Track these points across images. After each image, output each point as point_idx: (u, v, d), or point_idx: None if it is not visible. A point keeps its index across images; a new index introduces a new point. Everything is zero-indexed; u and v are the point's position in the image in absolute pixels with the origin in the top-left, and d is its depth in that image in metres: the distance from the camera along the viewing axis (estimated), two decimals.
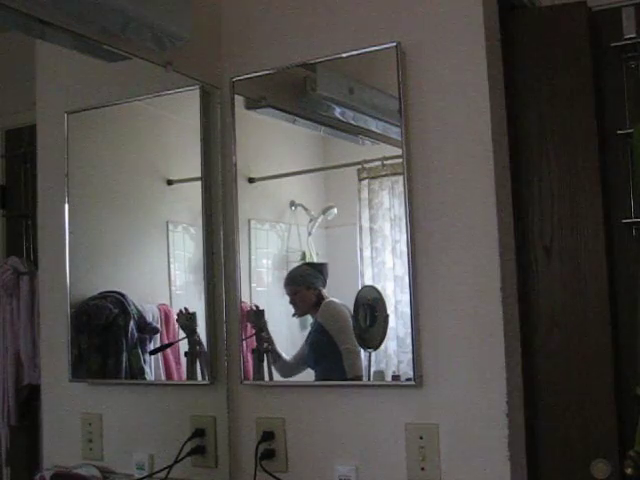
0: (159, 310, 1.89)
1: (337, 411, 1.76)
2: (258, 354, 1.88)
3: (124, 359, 1.85)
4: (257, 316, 1.90)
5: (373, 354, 1.77)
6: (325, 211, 1.90)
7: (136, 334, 1.84)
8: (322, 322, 1.88)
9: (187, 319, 1.89)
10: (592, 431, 1.73)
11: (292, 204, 1.95)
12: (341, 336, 1.85)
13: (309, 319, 1.90)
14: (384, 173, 1.81)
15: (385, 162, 1.79)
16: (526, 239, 1.82)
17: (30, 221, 1.81)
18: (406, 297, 1.67)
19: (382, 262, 1.81)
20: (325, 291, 1.87)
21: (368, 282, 1.83)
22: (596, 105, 1.82)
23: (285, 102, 1.96)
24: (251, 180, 1.95)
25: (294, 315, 1.91)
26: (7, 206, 1.80)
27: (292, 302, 1.91)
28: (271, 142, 2.01)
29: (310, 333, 1.89)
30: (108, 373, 1.87)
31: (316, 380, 1.87)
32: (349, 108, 1.90)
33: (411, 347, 1.65)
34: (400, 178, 1.69)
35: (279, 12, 1.90)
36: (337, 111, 1.92)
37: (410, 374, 1.65)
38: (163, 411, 1.88)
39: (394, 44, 1.69)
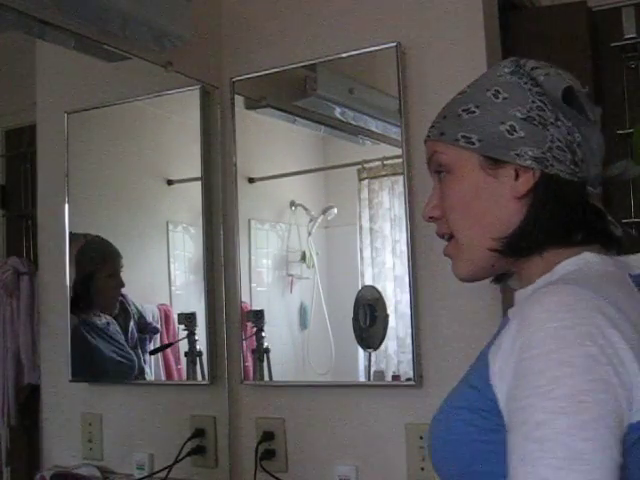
0: (159, 310, 1.89)
1: (337, 411, 1.75)
2: (258, 354, 1.88)
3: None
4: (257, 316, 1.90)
5: (373, 354, 1.77)
6: (325, 211, 1.90)
7: (136, 334, 1.84)
8: None
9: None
10: None
11: (292, 204, 1.95)
12: None
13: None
14: (384, 173, 1.81)
15: (385, 162, 1.79)
16: None
17: (30, 221, 1.80)
18: (406, 297, 1.67)
19: (382, 262, 1.81)
20: None
21: (368, 282, 1.83)
22: (596, 105, 1.81)
23: (285, 102, 1.96)
24: (251, 180, 1.94)
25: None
26: (7, 206, 1.79)
27: None
28: (271, 142, 2.01)
29: None
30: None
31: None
32: (349, 108, 1.90)
33: (411, 347, 1.65)
34: (400, 178, 1.69)
35: (279, 12, 1.90)
36: (337, 111, 1.92)
37: (410, 374, 1.65)
38: (163, 411, 1.87)
39: (394, 44, 1.69)
